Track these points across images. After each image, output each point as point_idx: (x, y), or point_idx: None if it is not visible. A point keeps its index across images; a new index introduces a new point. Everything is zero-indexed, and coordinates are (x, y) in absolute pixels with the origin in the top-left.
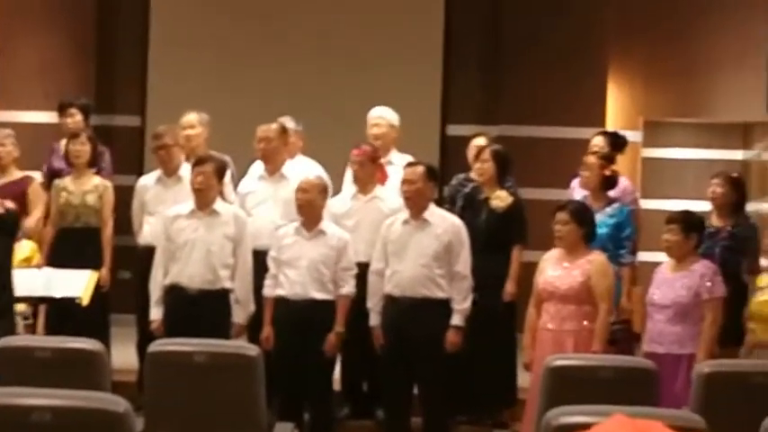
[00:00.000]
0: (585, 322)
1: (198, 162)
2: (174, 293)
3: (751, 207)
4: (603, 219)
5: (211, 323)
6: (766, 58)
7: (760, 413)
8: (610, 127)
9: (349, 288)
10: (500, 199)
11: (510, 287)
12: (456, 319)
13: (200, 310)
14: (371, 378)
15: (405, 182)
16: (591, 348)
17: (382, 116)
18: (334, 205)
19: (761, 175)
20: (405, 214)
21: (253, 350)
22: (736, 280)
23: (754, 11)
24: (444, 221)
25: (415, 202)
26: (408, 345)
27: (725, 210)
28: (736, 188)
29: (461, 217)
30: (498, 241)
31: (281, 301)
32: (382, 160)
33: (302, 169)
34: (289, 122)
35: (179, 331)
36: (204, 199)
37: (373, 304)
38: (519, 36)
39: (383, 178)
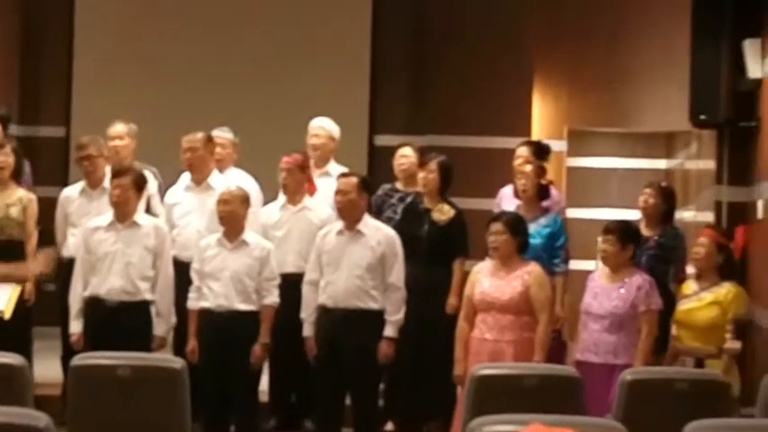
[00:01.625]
0: (525, 333)
1: (116, 175)
2: (94, 306)
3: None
4: (538, 229)
5: (132, 336)
6: (689, 68)
7: (682, 419)
8: (535, 136)
9: (273, 298)
10: (442, 212)
11: (452, 299)
12: (389, 331)
13: (120, 322)
14: (300, 389)
15: (338, 192)
16: (532, 358)
17: (323, 127)
18: (263, 215)
19: (683, 184)
20: (339, 225)
21: (177, 363)
22: (662, 289)
23: (677, 22)
24: (378, 232)
25: (348, 213)
26: (341, 355)
27: (654, 220)
28: (667, 199)
29: (400, 227)
30: (440, 253)
31: (205, 314)
32: (321, 171)
33: (235, 181)
34: (226, 133)
35: (99, 344)
36: (123, 211)
37: (307, 315)
38: (444, 46)
39: (311, 189)
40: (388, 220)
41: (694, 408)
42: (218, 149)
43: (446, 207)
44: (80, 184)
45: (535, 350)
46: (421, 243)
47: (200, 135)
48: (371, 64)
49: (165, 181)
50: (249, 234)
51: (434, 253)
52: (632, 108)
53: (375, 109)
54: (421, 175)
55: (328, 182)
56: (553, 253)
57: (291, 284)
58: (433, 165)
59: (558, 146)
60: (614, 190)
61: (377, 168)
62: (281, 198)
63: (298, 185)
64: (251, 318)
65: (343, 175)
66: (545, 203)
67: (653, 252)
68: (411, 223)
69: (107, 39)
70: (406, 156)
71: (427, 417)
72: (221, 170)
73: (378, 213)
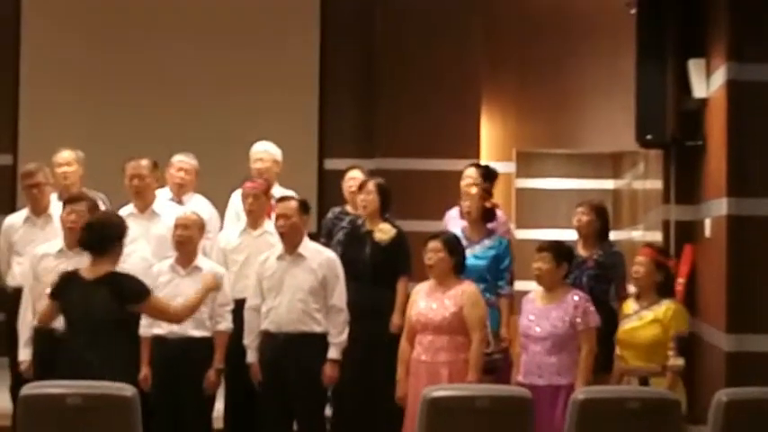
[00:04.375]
0: (460, 354)
1: (71, 200)
2: (43, 334)
3: (622, 235)
4: (483, 250)
5: None
6: (634, 88)
7: None
8: (484, 158)
9: (227, 324)
10: (383, 232)
11: (396, 318)
12: (333, 353)
13: None
14: (254, 415)
15: (280, 217)
16: (466, 379)
17: (267, 151)
18: (222, 239)
19: (631, 204)
20: (279, 249)
21: (128, 390)
22: (604, 307)
23: (621, 43)
24: (319, 255)
25: (291, 237)
26: (286, 380)
27: (590, 238)
28: (600, 216)
29: (345, 250)
30: (384, 274)
31: (158, 340)
32: None
33: (200, 208)
34: (190, 159)
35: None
36: (75, 238)
37: (250, 341)
38: (393, 71)
39: (269, 212)
40: (339, 243)
41: (646, 426)
42: (181, 174)
43: (387, 226)
44: (23, 212)
45: (468, 370)
46: (364, 265)
47: (145, 162)
48: (320, 88)
49: (113, 207)
50: (202, 260)
51: (378, 274)
52: (579, 129)
53: (324, 133)
54: (360, 197)
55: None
56: (498, 275)
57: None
58: (371, 186)
59: (506, 167)
60: (563, 210)
61: (326, 192)
62: (242, 222)
63: (262, 210)
64: (204, 344)
65: (282, 199)
66: (490, 225)
67: (593, 272)
68: (353, 246)
69: (53, 66)
70: (354, 178)
71: None
72: (181, 195)
73: (328, 236)
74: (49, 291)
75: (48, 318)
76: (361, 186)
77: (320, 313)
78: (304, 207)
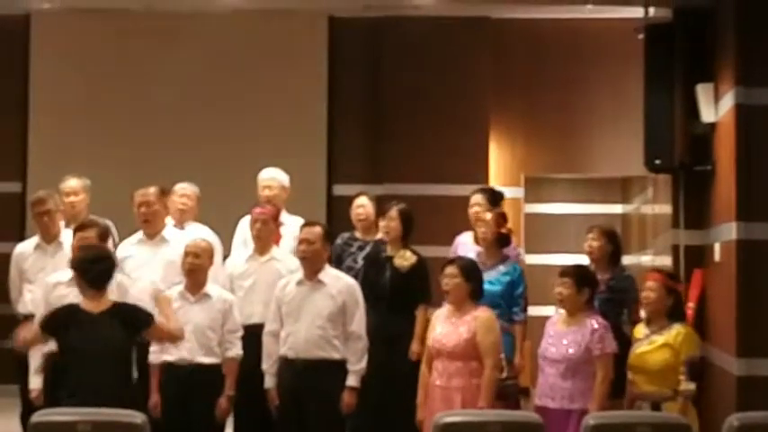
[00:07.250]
0: (474, 380)
1: (81, 228)
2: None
3: (631, 260)
4: (497, 276)
5: None
6: (642, 113)
7: None
8: (492, 183)
9: (236, 350)
10: (404, 258)
11: (416, 346)
12: (351, 380)
13: None
14: None
15: (303, 241)
16: (478, 404)
17: (274, 177)
18: (229, 265)
19: (640, 229)
20: (299, 275)
21: (138, 418)
22: (616, 332)
23: (629, 69)
24: (339, 282)
25: (312, 263)
26: (304, 406)
27: (602, 263)
28: (611, 241)
29: (364, 275)
30: (403, 300)
31: (167, 368)
32: None
33: (194, 234)
34: (193, 187)
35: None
36: None
37: (268, 366)
38: (401, 97)
39: (277, 239)
40: (348, 269)
41: None
42: (184, 200)
43: (408, 253)
44: (34, 240)
45: (481, 395)
46: (383, 290)
47: (153, 189)
48: (328, 114)
49: (119, 235)
50: (211, 286)
51: (397, 300)
52: (588, 154)
53: (333, 159)
54: (382, 223)
55: (282, 232)
56: (512, 301)
57: (258, 336)
58: (394, 212)
59: (515, 193)
60: (572, 235)
61: (335, 218)
62: (249, 248)
63: (270, 236)
64: (214, 371)
65: (307, 224)
66: (505, 251)
67: (605, 296)
68: (373, 271)
69: (62, 94)
70: (362, 205)
71: None
72: (183, 222)
73: (338, 262)
74: (39, 322)
75: (31, 343)
76: (384, 212)
77: (339, 340)
78: (328, 234)
